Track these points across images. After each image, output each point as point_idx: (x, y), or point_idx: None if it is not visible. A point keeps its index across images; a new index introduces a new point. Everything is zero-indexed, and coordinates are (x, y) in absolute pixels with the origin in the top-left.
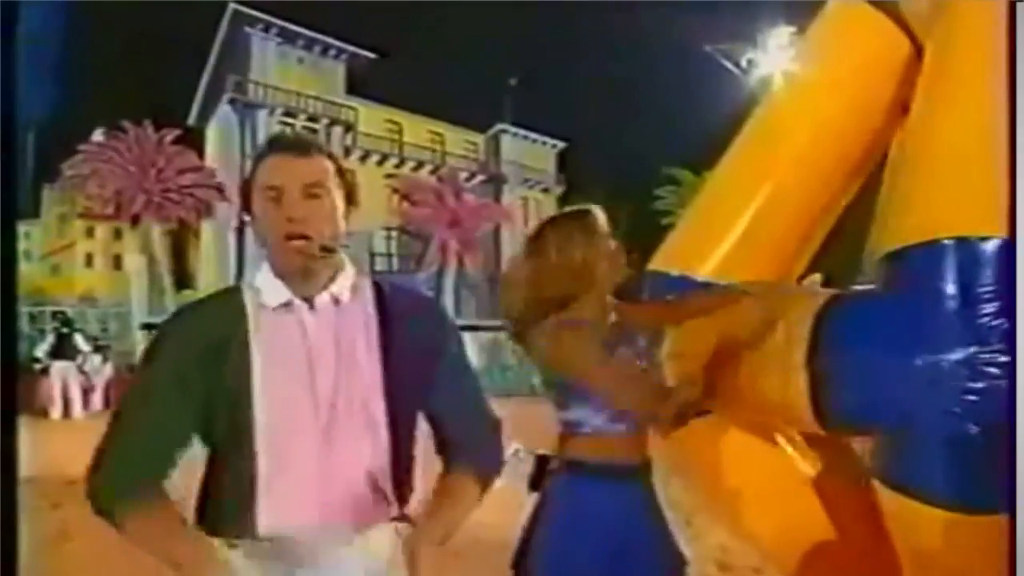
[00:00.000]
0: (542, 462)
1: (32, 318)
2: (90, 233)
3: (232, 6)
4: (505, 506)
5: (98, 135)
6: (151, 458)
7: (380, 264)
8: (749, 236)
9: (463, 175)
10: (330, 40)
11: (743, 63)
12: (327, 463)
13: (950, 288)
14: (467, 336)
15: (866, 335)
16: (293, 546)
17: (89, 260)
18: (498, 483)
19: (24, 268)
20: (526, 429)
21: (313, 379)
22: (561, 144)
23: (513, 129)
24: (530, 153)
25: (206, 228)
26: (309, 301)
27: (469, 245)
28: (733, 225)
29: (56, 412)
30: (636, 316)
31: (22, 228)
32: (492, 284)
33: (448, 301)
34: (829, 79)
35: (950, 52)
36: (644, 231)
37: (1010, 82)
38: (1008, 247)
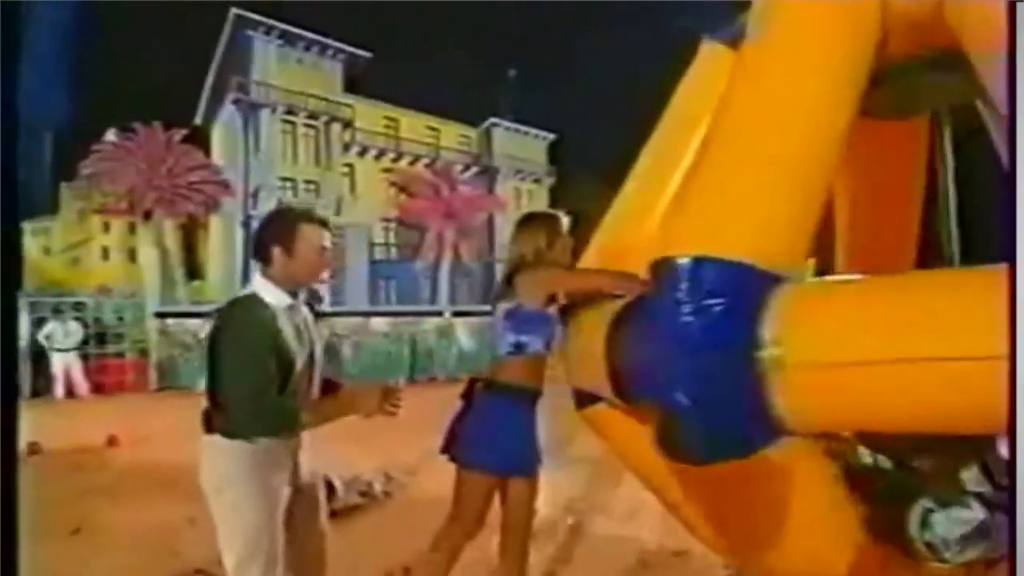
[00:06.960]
0: (472, 382)
1: (56, 310)
2: (106, 228)
3: (234, 11)
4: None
5: (111, 135)
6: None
7: (379, 254)
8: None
9: (458, 168)
10: (328, 41)
11: None
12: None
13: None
14: (461, 321)
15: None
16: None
17: (106, 253)
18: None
19: (45, 262)
20: None
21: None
22: (552, 136)
23: (505, 123)
24: (522, 145)
25: (214, 222)
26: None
27: (464, 235)
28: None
29: (59, 392)
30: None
31: (43, 224)
32: (487, 272)
33: (444, 289)
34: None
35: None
36: None
37: (1010, 82)
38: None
